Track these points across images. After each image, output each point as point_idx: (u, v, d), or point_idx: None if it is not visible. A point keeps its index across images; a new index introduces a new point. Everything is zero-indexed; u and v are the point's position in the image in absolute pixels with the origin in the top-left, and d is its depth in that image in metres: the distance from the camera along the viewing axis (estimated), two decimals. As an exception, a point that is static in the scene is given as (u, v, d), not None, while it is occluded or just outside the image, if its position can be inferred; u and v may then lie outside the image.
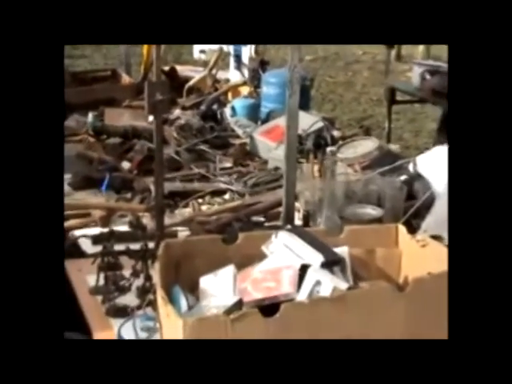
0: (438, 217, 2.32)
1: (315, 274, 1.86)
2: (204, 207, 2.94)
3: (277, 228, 2.23)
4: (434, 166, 2.69)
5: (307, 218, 2.66)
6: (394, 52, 8.14)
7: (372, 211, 2.62)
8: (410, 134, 6.35)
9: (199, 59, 4.69)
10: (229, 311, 1.77)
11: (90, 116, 3.68)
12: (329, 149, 2.77)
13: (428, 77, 5.17)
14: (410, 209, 2.57)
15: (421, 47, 8.32)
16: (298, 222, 2.63)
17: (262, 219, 2.79)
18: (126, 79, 4.60)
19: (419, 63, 5.61)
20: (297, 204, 2.66)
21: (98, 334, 2.10)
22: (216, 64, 4.34)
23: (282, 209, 2.59)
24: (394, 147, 3.44)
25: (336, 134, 3.44)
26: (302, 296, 1.84)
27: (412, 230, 2.29)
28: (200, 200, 2.99)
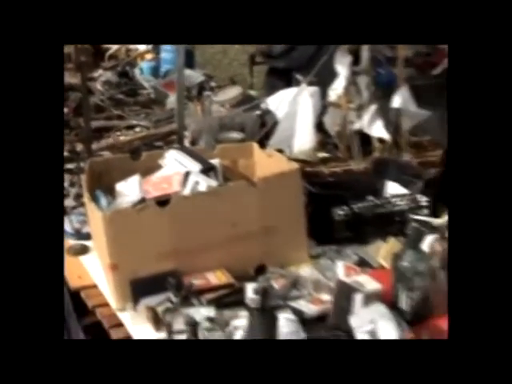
0: (279, 136, 2.32)
1: (195, 177, 1.84)
2: (121, 138, 2.88)
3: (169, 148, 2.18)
4: (278, 103, 2.67)
5: (193, 141, 2.63)
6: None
7: (237, 135, 2.61)
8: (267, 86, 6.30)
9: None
10: (135, 205, 1.74)
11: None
12: (206, 93, 2.73)
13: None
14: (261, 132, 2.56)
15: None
16: (187, 144, 2.60)
17: (161, 144, 2.75)
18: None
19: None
20: (186, 132, 2.63)
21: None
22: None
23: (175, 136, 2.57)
24: (253, 92, 3.41)
25: (213, 84, 3.40)
26: (186, 192, 1.82)
27: (263, 146, 2.28)
28: (118, 133, 2.93)
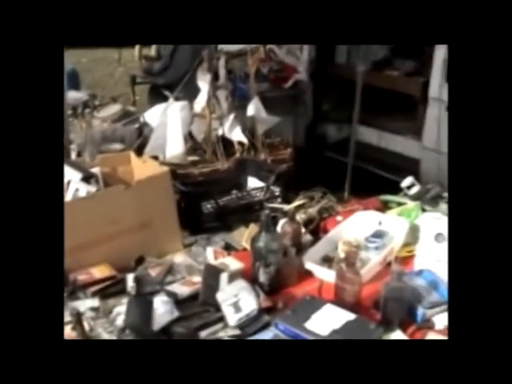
0: (153, 145, 2.27)
1: (75, 184, 1.74)
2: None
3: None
4: (154, 115, 2.61)
5: (79, 153, 2.50)
6: (137, 53, 7.82)
7: (118, 146, 2.54)
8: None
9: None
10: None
11: None
12: (87, 111, 2.61)
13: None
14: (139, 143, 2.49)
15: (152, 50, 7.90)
16: (74, 156, 2.47)
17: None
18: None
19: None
20: (72, 146, 2.49)
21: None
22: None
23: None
24: (132, 109, 3.32)
25: (96, 102, 3.26)
26: (67, 198, 1.72)
27: (140, 153, 2.21)
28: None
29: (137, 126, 2.73)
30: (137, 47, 8.07)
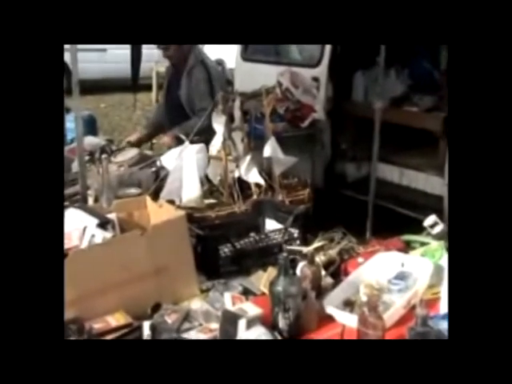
0: (169, 188, 2.29)
1: (91, 230, 1.77)
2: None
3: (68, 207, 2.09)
4: (171, 158, 2.64)
5: (96, 199, 2.53)
6: (154, 97, 8.02)
7: (135, 190, 2.56)
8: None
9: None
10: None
11: None
12: (103, 156, 2.66)
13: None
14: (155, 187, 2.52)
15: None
16: (90, 202, 2.50)
17: (67, 203, 2.62)
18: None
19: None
20: (89, 191, 2.54)
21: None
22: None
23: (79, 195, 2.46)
24: (149, 152, 3.38)
25: (114, 147, 3.33)
26: (84, 245, 1.74)
27: (156, 198, 2.24)
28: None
29: (153, 169, 2.76)
30: (154, 90, 8.24)
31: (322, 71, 3.99)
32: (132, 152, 3.11)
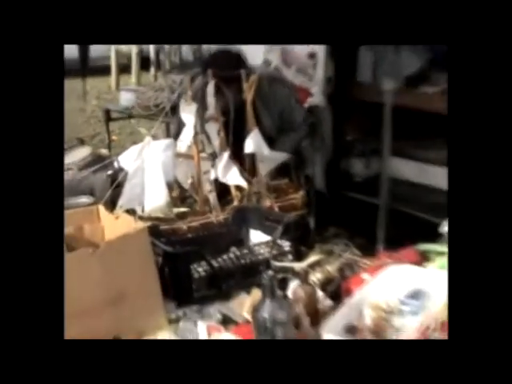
0: (128, 195, 2.31)
1: (30, 250, 1.79)
2: None
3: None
4: (130, 159, 2.67)
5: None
6: (113, 82, 8.06)
7: (86, 199, 2.59)
8: (130, 143, 6.27)
9: None
10: None
11: None
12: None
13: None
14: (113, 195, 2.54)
15: (133, 78, 8.21)
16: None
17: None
18: None
19: (125, 89, 5.50)
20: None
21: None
22: None
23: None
24: (104, 152, 3.40)
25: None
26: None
27: (112, 207, 2.26)
28: None
29: (109, 172, 2.78)
30: (113, 75, 8.30)
31: (319, 45, 4.03)
32: (83, 151, 3.13)
